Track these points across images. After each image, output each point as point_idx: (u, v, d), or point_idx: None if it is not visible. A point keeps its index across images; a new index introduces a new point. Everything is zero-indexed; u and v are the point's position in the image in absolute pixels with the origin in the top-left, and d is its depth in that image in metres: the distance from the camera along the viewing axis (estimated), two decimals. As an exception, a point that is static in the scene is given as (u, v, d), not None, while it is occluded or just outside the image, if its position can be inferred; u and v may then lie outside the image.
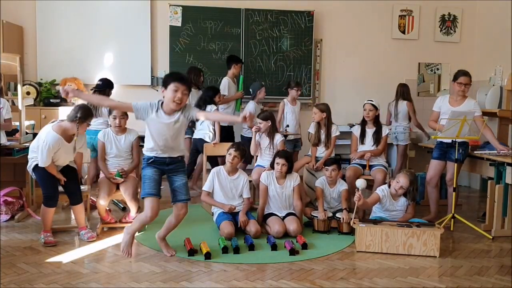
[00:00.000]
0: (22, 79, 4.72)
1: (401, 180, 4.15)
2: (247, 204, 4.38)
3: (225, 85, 6.10)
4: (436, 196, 4.88)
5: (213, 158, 5.47)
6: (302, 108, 7.13)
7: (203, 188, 4.46)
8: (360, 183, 4.13)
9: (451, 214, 4.51)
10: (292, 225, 4.22)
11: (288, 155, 4.50)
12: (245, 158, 4.68)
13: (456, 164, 4.56)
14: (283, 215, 4.36)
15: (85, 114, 3.90)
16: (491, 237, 4.34)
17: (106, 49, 6.75)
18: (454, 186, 4.56)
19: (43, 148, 3.82)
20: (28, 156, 4.06)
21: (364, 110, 5.05)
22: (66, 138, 3.94)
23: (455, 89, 4.71)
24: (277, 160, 4.40)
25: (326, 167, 4.61)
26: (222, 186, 4.36)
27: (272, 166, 4.49)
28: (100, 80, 5.53)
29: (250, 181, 4.65)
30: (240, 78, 6.31)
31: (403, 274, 3.47)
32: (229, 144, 4.58)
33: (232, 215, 4.28)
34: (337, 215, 4.38)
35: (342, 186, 4.64)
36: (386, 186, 4.31)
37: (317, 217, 4.36)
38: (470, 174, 6.66)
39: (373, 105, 5.03)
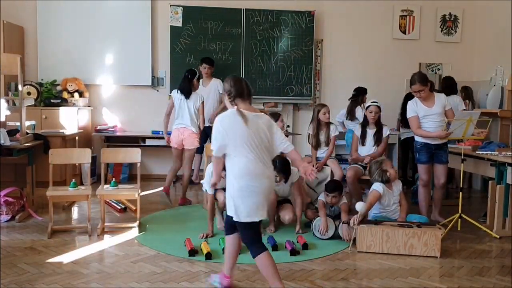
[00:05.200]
0: (22, 79, 4.72)
1: (388, 164, 4.29)
2: None
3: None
4: (429, 197, 4.85)
5: None
6: (302, 108, 7.17)
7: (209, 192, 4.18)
8: (360, 207, 4.01)
9: (458, 214, 4.47)
10: (287, 214, 4.29)
11: (283, 165, 4.22)
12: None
13: (446, 165, 4.63)
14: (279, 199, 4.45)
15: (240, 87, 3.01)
16: (498, 237, 4.35)
17: (106, 49, 6.76)
18: (461, 186, 4.57)
19: None
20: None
21: (370, 112, 5.01)
22: None
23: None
24: None
25: (327, 193, 4.37)
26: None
27: None
28: (354, 90, 6.14)
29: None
30: None
31: (404, 274, 3.47)
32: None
33: None
34: (339, 229, 4.20)
35: (341, 201, 4.42)
36: (378, 183, 4.24)
37: (318, 237, 4.21)
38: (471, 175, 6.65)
39: (378, 106, 5.03)
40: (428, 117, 4.54)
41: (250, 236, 2.91)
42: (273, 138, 2.97)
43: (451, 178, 6.16)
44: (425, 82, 4.50)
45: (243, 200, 2.85)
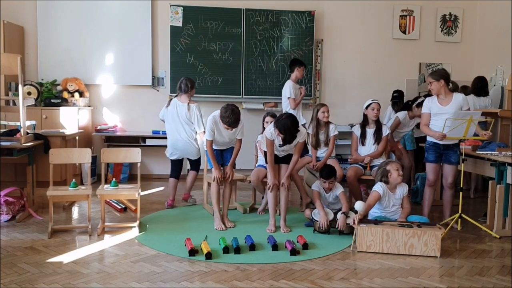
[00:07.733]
0: (23, 79, 4.71)
1: (394, 166, 4.24)
2: (237, 151, 4.60)
3: (289, 87, 5.84)
4: (433, 197, 4.84)
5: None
6: (302, 108, 7.14)
7: (206, 137, 4.54)
8: (359, 206, 4.02)
9: (459, 214, 4.47)
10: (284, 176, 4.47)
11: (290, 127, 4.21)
12: None
13: (456, 166, 4.59)
14: (282, 155, 4.53)
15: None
16: (498, 237, 4.35)
17: (107, 49, 6.76)
18: (461, 186, 4.55)
19: None
20: None
21: (372, 110, 5.02)
22: None
23: None
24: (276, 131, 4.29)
25: (323, 179, 4.50)
26: (220, 133, 4.52)
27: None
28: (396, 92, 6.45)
29: (247, 182, 4.66)
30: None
31: (404, 274, 3.47)
32: None
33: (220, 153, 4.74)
34: (338, 216, 4.32)
35: (338, 190, 4.55)
36: (380, 183, 4.27)
37: (317, 221, 4.30)
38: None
39: (378, 103, 5.04)
40: (440, 115, 4.51)
41: (171, 165, 5.31)
42: (192, 120, 5.09)
43: (466, 181, 6.08)
44: (435, 77, 4.55)
45: (169, 147, 5.22)
